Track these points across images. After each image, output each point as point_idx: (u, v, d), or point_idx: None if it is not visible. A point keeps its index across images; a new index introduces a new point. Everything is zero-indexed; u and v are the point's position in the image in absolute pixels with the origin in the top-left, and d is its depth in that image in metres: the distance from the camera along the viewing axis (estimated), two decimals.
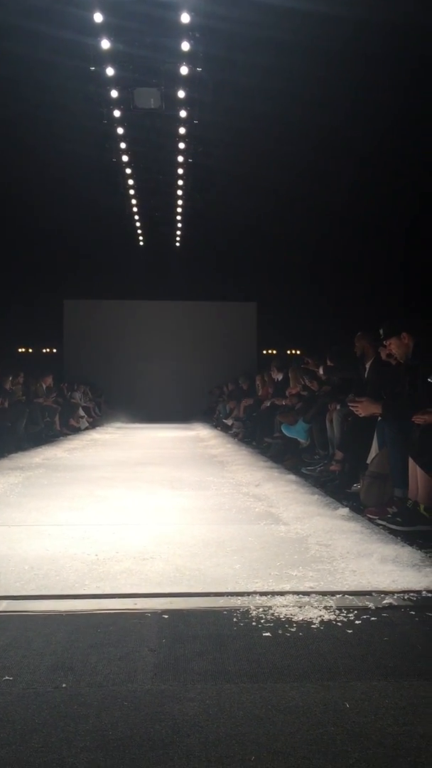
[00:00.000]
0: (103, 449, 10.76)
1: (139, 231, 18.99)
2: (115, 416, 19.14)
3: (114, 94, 11.36)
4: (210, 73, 10.83)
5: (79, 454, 9.65)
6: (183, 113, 12.01)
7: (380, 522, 4.22)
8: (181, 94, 11.36)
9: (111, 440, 12.98)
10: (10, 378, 10.85)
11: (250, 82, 10.79)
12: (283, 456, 8.13)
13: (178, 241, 19.68)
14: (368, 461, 5.15)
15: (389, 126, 11.71)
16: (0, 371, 10.74)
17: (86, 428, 15.12)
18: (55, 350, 22.07)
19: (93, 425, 16.19)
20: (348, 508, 4.63)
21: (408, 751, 1.61)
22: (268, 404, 10.04)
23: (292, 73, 10.48)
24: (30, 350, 21.54)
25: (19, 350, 21.12)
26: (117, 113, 11.95)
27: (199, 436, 13.98)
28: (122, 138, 13.00)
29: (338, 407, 6.53)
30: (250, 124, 12.36)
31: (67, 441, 11.84)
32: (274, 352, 20.74)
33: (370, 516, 4.43)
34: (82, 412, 15.49)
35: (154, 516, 4.62)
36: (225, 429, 14.32)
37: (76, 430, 14.16)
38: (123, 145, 13.31)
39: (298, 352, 20.23)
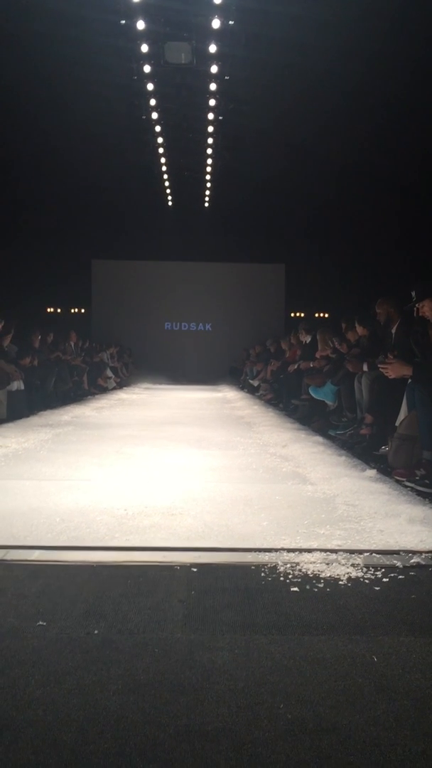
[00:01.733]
0: (130, 409, 10.85)
1: (168, 191, 18.79)
2: (143, 377, 19.25)
3: (144, 48, 11.10)
4: (242, 26, 10.52)
5: (106, 413, 9.74)
6: (214, 68, 11.71)
7: (408, 484, 4.22)
8: (212, 48, 11.07)
9: (138, 400, 13.07)
10: (39, 337, 10.94)
11: (283, 35, 10.44)
12: (311, 418, 8.12)
13: (207, 201, 19.45)
14: (397, 423, 5.13)
15: (427, 79, 11.28)
16: (29, 330, 10.81)
17: (113, 388, 15.26)
18: (83, 310, 22.11)
19: (120, 385, 16.32)
20: (375, 470, 4.63)
21: None
22: (296, 367, 10.00)
23: (327, 25, 10.12)
24: (58, 310, 21.60)
25: (48, 310, 21.20)
26: (147, 68, 11.71)
27: (226, 397, 14.01)
28: (152, 94, 12.77)
29: (366, 369, 6.47)
30: (281, 81, 12.01)
31: (94, 400, 11.97)
32: (302, 314, 20.56)
33: (398, 478, 4.43)
34: (109, 372, 15.61)
35: (181, 473, 4.66)
36: (252, 391, 14.33)
37: (104, 390, 14.30)
38: (153, 102, 13.08)
39: (326, 315, 20.06)
